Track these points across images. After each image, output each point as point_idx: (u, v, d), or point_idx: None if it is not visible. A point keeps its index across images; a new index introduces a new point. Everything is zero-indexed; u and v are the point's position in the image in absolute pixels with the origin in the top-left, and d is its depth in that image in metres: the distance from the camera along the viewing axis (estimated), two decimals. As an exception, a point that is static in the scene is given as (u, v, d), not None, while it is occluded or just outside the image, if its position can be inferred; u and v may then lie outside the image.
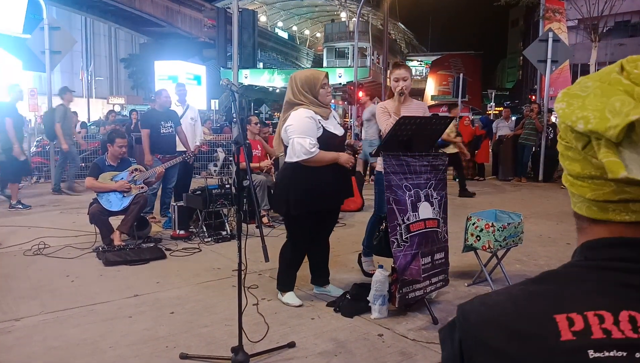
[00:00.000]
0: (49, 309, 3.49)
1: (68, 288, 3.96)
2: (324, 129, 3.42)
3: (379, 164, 3.78)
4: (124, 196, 5.16)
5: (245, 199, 5.70)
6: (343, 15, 47.55)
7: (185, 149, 6.47)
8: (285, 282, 3.69)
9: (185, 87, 7.28)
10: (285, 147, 3.50)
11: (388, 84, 4.03)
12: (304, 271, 3.83)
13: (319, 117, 3.43)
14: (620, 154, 0.62)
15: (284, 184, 3.54)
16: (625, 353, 0.58)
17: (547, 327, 0.63)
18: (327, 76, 3.57)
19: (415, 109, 3.97)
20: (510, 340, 0.64)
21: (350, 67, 32.70)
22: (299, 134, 3.32)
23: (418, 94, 37.95)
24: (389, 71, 4.24)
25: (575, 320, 0.62)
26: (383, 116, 3.90)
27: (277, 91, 43.24)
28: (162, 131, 6.35)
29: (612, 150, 0.62)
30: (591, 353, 0.60)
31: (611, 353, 0.59)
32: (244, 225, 2.89)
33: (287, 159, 3.44)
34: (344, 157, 3.48)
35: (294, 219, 3.57)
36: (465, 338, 0.68)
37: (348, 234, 5.67)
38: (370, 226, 4.14)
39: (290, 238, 3.68)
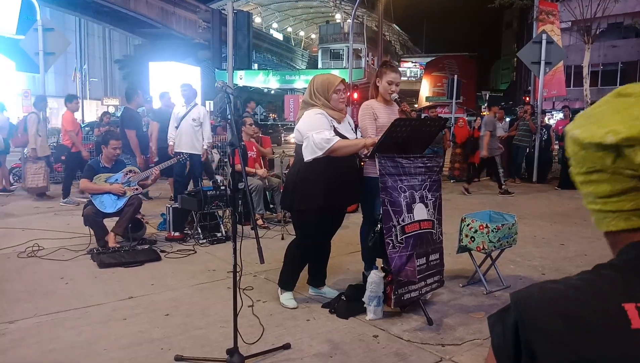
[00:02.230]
0: (43, 311, 3.48)
1: (62, 291, 3.94)
2: (335, 129, 3.41)
3: (367, 169, 3.73)
4: (118, 198, 5.14)
5: (240, 201, 5.71)
6: (338, 16, 47.68)
7: (182, 151, 6.47)
8: (287, 281, 3.68)
9: (192, 87, 7.19)
10: (299, 145, 3.45)
11: (378, 83, 3.89)
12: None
13: (332, 119, 3.43)
14: None
15: (291, 179, 3.55)
16: None
17: (615, 316, 0.63)
18: (343, 82, 3.53)
19: (397, 113, 3.88)
20: (575, 328, 0.64)
21: (345, 68, 32.73)
22: (315, 130, 3.31)
23: (412, 95, 38.04)
24: (378, 70, 4.07)
25: None
26: (367, 118, 3.80)
27: (272, 92, 43.29)
28: (143, 131, 6.48)
29: None
30: None
31: None
32: (239, 227, 2.89)
33: (307, 158, 3.33)
34: (369, 141, 3.43)
35: (300, 218, 3.58)
36: (522, 323, 0.68)
37: (343, 235, 5.67)
38: (364, 236, 3.90)
39: (297, 237, 3.69)
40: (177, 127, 6.83)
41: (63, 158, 8.40)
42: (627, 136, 0.67)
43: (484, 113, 27.89)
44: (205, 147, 6.89)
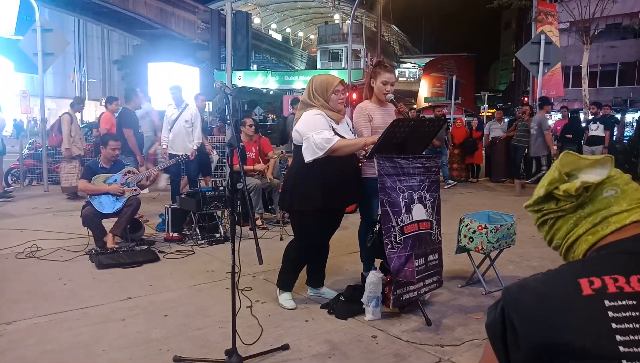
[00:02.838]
0: (42, 312, 3.47)
1: (61, 291, 3.94)
2: (333, 130, 3.40)
3: (365, 170, 3.72)
4: (117, 199, 5.14)
5: (239, 202, 5.71)
6: (337, 17, 47.65)
7: (179, 153, 6.48)
8: (286, 282, 3.68)
9: (181, 89, 7.22)
10: (298, 147, 3.44)
11: (372, 84, 3.87)
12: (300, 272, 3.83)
13: (330, 119, 3.42)
14: (570, 180, 1.02)
15: (290, 180, 3.54)
16: (635, 302, 0.82)
17: (571, 288, 0.85)
18: (341, 82, 3.52)
19: (393, 113, 3.88)
20: (540, 302, 0.86)
21: (344, 69, 32.73)
22: (314, 131, 3.29)
23: (411, 96, 38.05)
24: (371, 71, 4.01)
25: (594, 281, 0.85)
26: (361, 119, 3.78)
27: (271, 92, 43.25)
28: (139, 131, 6.55)
29: (566, 183, 1.01)
30: (607, 302, 0.82)
31: (623, 302, 0.81)
32: (237, 227, 2.89)
33: (308, 159, 3.31)
34: (370, 139, 3.40)
35: (299, 219, 3.57)
36: (506, 305, 0.90)
37: (341, 236, 5.67)
38: (363, 237, 3.91)
39: (296, 238, 3.68)
40: (170, 130, 6.90)
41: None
42: (549, 181, 1.01)
43: (482, 114, 27.94)
44: (194, 147, 6.91)
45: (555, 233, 1.03)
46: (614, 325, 0.80)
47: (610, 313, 0.81)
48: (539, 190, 1.03)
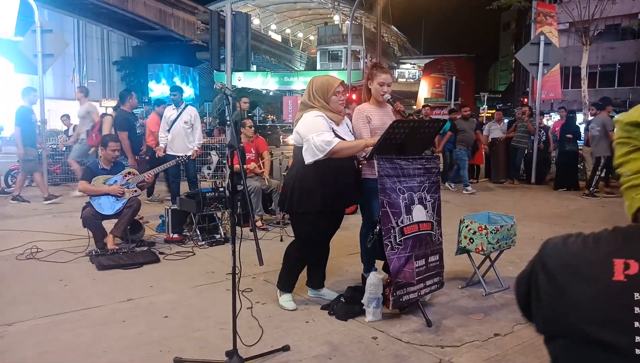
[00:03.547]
0: (42, 314, 3.47)
1: (61, 293, 3.93)
2: (334, 131, 3.39)
3: (365, 171, 3.73)
4: (117, 200, 5.14)
5: (239, 203, 5.70)
6: (336, 18, 47.68)
7: (179, 154, 6.47)
8: (285, 283, 3.68)
9: (182, 91, 7.25)
10: (298, 148, 3.45)
11: (369, 86, 3.89)
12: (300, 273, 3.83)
13: (330, 121, 3.42)
14: None
15: (290, 181, 3.54)
16: None
17: (603, 268, 0.77)
18: (342, 84, 3.52)
19: (391, 114, 3.88)
20: (568, 273, 0.81)
21: (343, 70, 32.72)
22: (314, 132, 3.29)
23: (411, 96, 38.06)
24: (368, 73, 4.03)
25: (631, 265, 0.75)
26: (360, 121, 3.78)
27: (271, 93, 43.29)
28: (137, 132, 6.58)
29: None
30: (637, 296, 0.72)
31: None
32: (237, 228, 2.89)
33: (308, 160, 3.31)
34: (370, 140, 3.39)
35: (299, 220, 3.58)
36: (537, 261, 0.89)
37: (342, 237, 5.66)
38: (364, 238, 3.90)
39: (296, 239, 3.68)
40: (169, 131, 6.91)
41: (147, 158, 8.47)
42: None
43: (482, 115, 27.95)
44: (195, 148, 6.92)
45: (628, 161, 0.88)
46: (636, 324, 0.71)
47: (637, 310, 0.72)
48: (638, 112, 0.87)
